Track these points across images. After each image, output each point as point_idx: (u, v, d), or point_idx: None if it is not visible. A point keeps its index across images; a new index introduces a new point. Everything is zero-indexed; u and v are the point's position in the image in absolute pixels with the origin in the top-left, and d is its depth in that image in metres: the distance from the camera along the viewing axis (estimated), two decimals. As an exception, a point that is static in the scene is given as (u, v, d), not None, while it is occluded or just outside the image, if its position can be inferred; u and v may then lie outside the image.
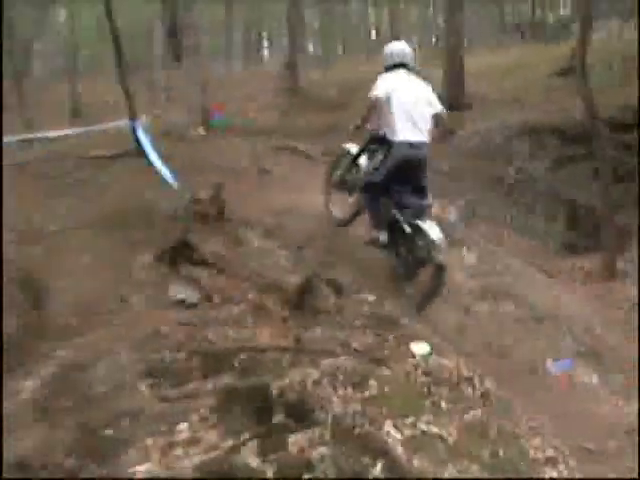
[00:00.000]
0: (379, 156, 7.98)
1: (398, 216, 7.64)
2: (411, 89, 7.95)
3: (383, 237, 7.72)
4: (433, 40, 39.93)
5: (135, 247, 6.92)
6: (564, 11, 33.08)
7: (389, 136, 7.78)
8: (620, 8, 17.27)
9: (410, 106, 7.81)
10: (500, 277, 8.35)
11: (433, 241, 7.17)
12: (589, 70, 14.16)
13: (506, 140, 14.44)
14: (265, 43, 43.07)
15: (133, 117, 11.04)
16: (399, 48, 8.30)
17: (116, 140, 11.83)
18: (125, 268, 6.54)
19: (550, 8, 35.00)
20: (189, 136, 12.67)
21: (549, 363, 6.77)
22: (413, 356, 5.19)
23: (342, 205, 8.44)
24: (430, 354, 5.28)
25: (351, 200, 8.35)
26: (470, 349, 6.34)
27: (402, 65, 8.09)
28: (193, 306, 5.86)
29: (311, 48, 41.38)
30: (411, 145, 7.70)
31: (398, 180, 7.77)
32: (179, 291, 5.97)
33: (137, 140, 10.64)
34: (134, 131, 10.77)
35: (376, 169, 7.90)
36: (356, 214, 8.27)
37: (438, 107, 8.10)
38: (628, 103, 15.00)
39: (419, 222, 7.42)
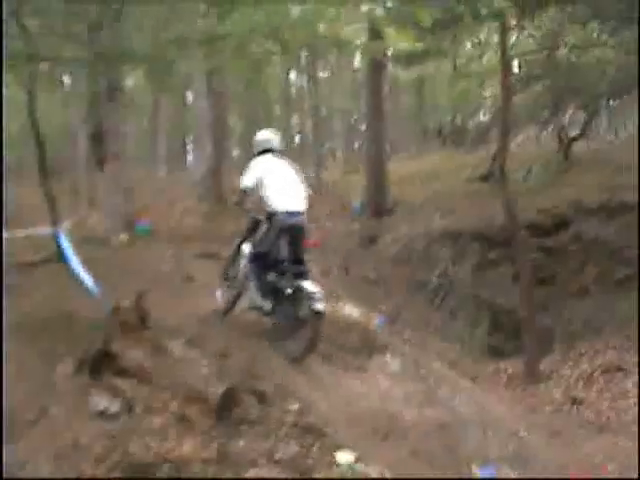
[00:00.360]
0: (263, 228, 8.84)
1: (280, 282, 8.40)
2: (281, 168, 9.05)
3: (267, 305, 8.46)
4: (356, 145, 40.55)
5: (56, 356, 6.80)
6: (484, 117, 33.89)
7: (269, 209, 8.66)
8: (538, 115, 17.79)
9: (283, 181, 8.86)
10: (424, 382, 8.39)
11: (310, 293, 7.84)
12: (509, 175, 14.59)
13: (429, 245, 14.67)
14: (190, 147, 43.31)
15: (55, 223, 10.99)
16: (267, 136, 9.44)
17: (39, 246, 11.76)
18: (45, 378, 6.43)
19: (470, 115, 35.84)
20: (112, 242, 12.63)
21: (475, 469, 6.78)
22: (338, 465, 5.17)
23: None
24: (355, 463, 5.27)
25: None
26: (395, 456, 6.32)
27: (270, 150, 9.22)
28: (115, 417, 5.78)
29: (235, 152, 41.73)
30: (290, 214, 8.58)
31: (279, 250, 8.58)
32: (100, 401, 5.88)
33: (59, 246, 10.57)
34: (56, 237, 10.71)
35: (261, 240, 8.78)
36: (237, 296, 8.97)
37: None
38: (547, 207, 15.39)
39: (299, 282, 8.13)
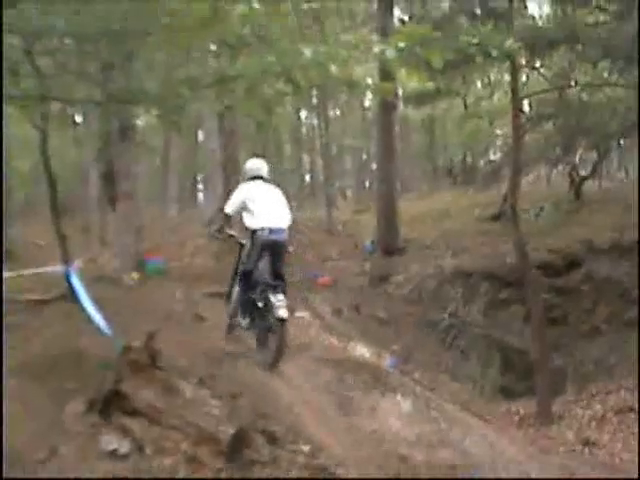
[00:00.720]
0: (247, 247, 9.58)
1: (256, 297, 9.19)
2: (266, 192, 9.79)
3: (245, 322, 9.40)
4: (367, 184, 40.64)
5: (66, 395, 6.80)
6: (494, 156, 33.95)
7: (251, 227, 9.41)
8: (549, 154, 17.83)
9: (265, 202, 9.61)
10: (436, 423, 8.36)
11: (275, 302, 8.68)
12: (520, 215, 14.59)
13: (440, 285, 14.66)
14: (200, 186, 43.47)
15: (67, 261, 11.02)
16: (255, 165, 10.20)
17: (49, 284, 11.79)
18: (55, 417, 6.42)
19: (481, 154, 35.92)
20: (123, 281, 12.65)
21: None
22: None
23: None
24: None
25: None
26: (407, 500, 6.30)
27: (259, 177, 9.96)
28: (125, 457, 5.76)
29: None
30: (271, 230, 9.35)
31: (263, 268, 9.38)
32: (110, 442, 5.87)
33: (70, 285, 10.58)
34: (67, 276, 10.73)
35: (246, 258, 9.51)
36: (233, 318, 9.71)
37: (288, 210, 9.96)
38: (558, 247, 15.38)
39: (269, 295, 8.88)
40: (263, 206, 9.58)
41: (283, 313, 8.64)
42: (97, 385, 6.46)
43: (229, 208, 9.69)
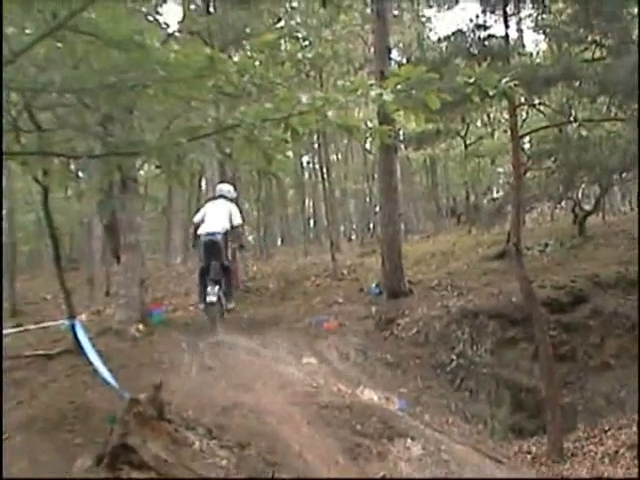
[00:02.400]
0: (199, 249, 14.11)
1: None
2: (215, 207, 14.26)
3: (201, 305, 14.17)
4: (371, 227, 40.73)
5: (74, 450, 6.79)
6: (497, 194, 34.04)
7: (198, 234, 14.00)
8: (551, 190, 17.84)
9: (210, 215, 14.09)
10: (447, 467, 8.30)
11: (207, 290, 13.32)
12: (524, 252, 14.57)
13: (447, 326, 14.59)
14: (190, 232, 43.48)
15: (71, 315, 11.02)
16: (220, 187, 15.05)
17: (55, 339, 11.81)
18: (63, 472, 6.40)
19: (483, 192, 36.01)
20: (128, 333, 12.62)
21: None
22: None
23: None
24: None
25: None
26: None
27: (222, 196, 14.53)
28: (134, 512, 5.73)
29: (250, 239, 41.99)
30: (207, 234, 13.75)
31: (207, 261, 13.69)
32: (119, 496, 5.85)
33: (76, 339, 10.58)
34: (73, 330, 10.72)
35: (199, 258, 14.23)
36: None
37: (234, 221, 14.00)
38: (564, 283, 15.36)
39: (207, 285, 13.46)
40: (207, 217, 14.09)
41: (209, 299, 13.26)
42: (104, 439, 6.43)
43: (195, 219, 14.52)
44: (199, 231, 13.90)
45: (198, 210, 15.12)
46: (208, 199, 15.53)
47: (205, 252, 13.75)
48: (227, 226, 13.85)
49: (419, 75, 6.19)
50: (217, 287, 13.43)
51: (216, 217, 13.92)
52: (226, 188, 14.88)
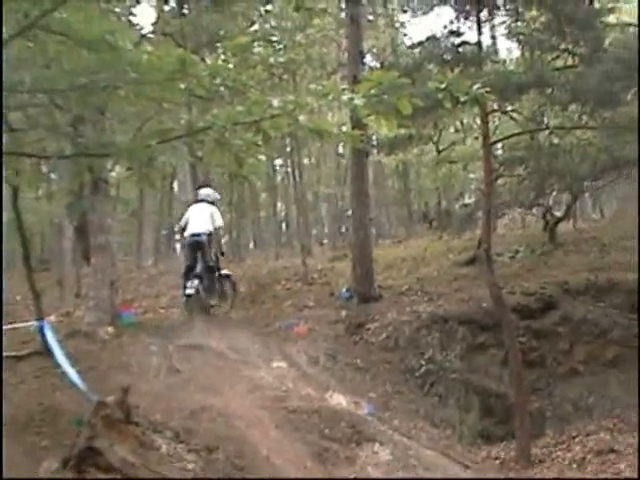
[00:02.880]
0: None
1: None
2: (198, 210, 15.37)
3: (183, 299, 15.06)
4: (343, 231, 40.70)
5: (41, 452, 6.76)
6: (469, 200, 34.11)
7: (184, 235, 15.42)
8: (522, 197, 17.91)
9: (193, 217, 15.29)
10: (414, 471, 8.32)
11: (187, 285, 14.70)
12: (495, 258, 14.61)
13: (416, 331, 14.60)
14: (177, 236, 43.36)
15: (40, 317, 10.97)
16: (200, 191, 16.17)
17: (24, 340, 11.74)
18: (30, 474, 6.36)
19: (455, 198, 36.10)
20: (98, 336, 12.57)
21: None
22: None
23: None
24: None
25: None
26: None
27: (203, 200, 15.62)
28: (98, 515, 5.70)
29: (223, 241, 41.81)
30: (191, 235, 15.07)
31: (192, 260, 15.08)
32: (85, 499, 5.82)
33: (44, 340, 10.52)
34: (41, 331, 10.66)
35: (185, 258, 15.79)
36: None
37: (215, 223, 15.24)
38: (534, 289, 15.42)
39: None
40: (191, 220, 15.30)
41: (187, 291, 14.57)
42: (71, 442, 6.39)
43: (181, 223, 15.71)
44: (185, 233, 15.37)
45: (182, 215, 16.20)
46: (190, 203, 16.60)
47: (190, 252, 15.26)
48: (210, 228, 15.13)
49: (391, 80, 6.22)
50: (197, 281, 14.67)
51: (199, 219, 15.19)
52: (206, 192, 16.00)
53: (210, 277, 15.20)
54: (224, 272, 16.20)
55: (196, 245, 15.05)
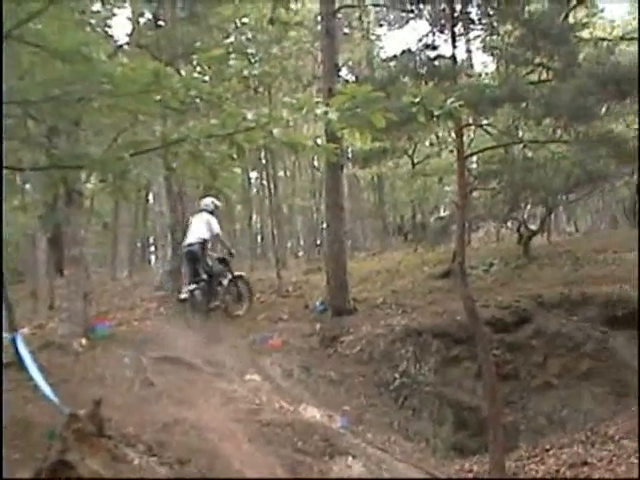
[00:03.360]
0: None
1: None
2: (196, 220, 16.49)
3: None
4: (318, 243, 40.70)
5: (13, 466, 6.70)
6: (444, 213, 34.21)
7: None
8: (497, 210, 17.98)
9: (191, 228, 16.49)
10: (388, 485, 8.32)
11: (182, 290, 16.48)
12: (470, 271, 14.63)
13: (390, 344, 14.63)
14: (152, 248, 43.24)
15: (13, 329, 10.89)
16: (202, 202, 17.03)
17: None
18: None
19: (430, 211, 36.18)
20: (71, 348, 12.49)
21: None
22: None
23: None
24: None
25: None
26: None
27: (204, 210, 16.56)
28: (69, 529, 5.66)
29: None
30: (187, 245, 16.26)
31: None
32: (56, 515, 5.77)
33: (17, 352, 10.44)
34: (14, 344, 10.58)
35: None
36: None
37: (213, 231, 16.23)
38: (508, 302, 15.48)
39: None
40: (188, 231, 16.53)
41: (181, 296, 16.10)
42: (43, 455, 6.36)
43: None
44: (182, 244, 16.77)
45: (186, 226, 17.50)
46: (192, 213, 17.98)
47: (186, 262, 16.84)
48: (205, 236, 16.15)
49: (365, 94, 6.23)
50: (193, 286, 16.03)
51: (194, 230, 16.36)
52: (206, 202, 16.97)
53: (209, 282, 16.24)
54: (237, 273, 17.37)
55: (190, 255, 16.27)
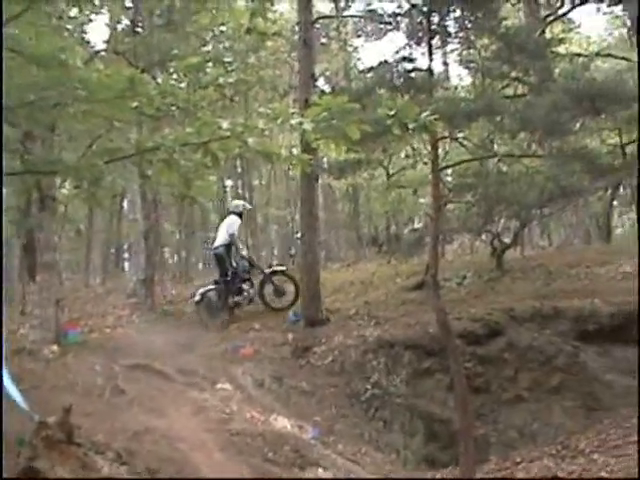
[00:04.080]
0: None
1: None
2: (223, 224, 18.13)
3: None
4: (292, 253, 40.72)
5: (-21, 473, 6.66)
6: (418, 225, 34.34)
7: None
8: (471, 223, 18.00)
9: (219, 230, 18.15)
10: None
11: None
12: (443, 283, 14.64)
13: (363, 355, 14.62)
14: (125, 255, 43.08)
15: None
16: (231, 204, 19.03)
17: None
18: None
19: (405, 223, 36.29)
20: (42, 354, 12.45)
21: None
22: None
23: None
24: None
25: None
26: None
27: (233, 212, 18.16)
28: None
29: (172, 260, 41.66)
30: (213, 248, 18.19)
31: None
32: (22, 520, 5.75)
33: (-7, 360, 10.38)
34: (-8, 353, 10.52)
35: None
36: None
37: (227, 231, 17.66)
38: (480, 315, 15.51)
39: None
40: (217, 232, 18.31)
41: (194, 299, 18.05)
42: (12, 462, 6.33)
43: None
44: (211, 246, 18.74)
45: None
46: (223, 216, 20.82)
47: (214, 262, 18.79)
48: (226, 238, 17.72)
49: (340, 105, 6.26)
50: (208, 287, 18.17)
51: (219, 233, 18.19)
52: (235, 204, 18.83)
53: (231, 280, 17.85)
54: (275, 268, 19.18)
55: (214, 257, 18.31)
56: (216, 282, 18.09)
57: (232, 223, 17.93)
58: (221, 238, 17.93)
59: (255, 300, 18.30)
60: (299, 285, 17.88)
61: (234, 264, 18.04)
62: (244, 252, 18.67)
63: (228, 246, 17.87)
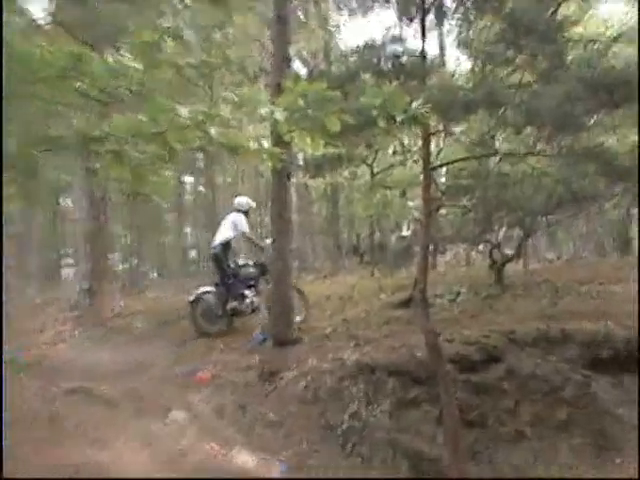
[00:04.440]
0: None
1: None
2: (225, 221, 18.88)
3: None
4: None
5: None
6: (406, 232, 34.32)
7: None
8: (467, 231, 18.00)
9: (219, 229, 18.79)
10: None
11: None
12: (434, 300, 14.61)
13: (340, 381, 14.57)
14: (70, 260, 42.81)
15: None
16: (235, 201, 19.26)
17: None
18: None
19: (391, 229, 36.30)
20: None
21: None
22: None
23: None
24: None
25: None
26: None
27: (237, 209, 18.85)
28: None
29: (122, 267, 41.45)
30: (212, 247, 18.92)
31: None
32: None
33: None
34: None
35: None
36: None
37: (239, 230, 18.48)
38: (476, 338, 15.49)
39: None
40: (217, 232, 18.79)
41: (190, 297, 18.48)
42: None
43: None
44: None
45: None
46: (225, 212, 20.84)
47: (211, 263, 19.49)
48: (227, 235, 18.62)
49: (318, 92, 6.24)
50: (206, 288, 18.76)
51: (219, 231, 18.89)
52: (238, 201, 19.32)
53: (232, 284, 18.61)
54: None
55: (212, 257, 18.99)
56: (217, 284, 18.72)
57: (238, 221, 18.62)
58: (219, 237, 18.67)
59: (261, 309, 18.50)
60: (307, 299, 19.04)
61: (232, 265, 18.89)
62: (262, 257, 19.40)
63: (224, 246, 18.60)
